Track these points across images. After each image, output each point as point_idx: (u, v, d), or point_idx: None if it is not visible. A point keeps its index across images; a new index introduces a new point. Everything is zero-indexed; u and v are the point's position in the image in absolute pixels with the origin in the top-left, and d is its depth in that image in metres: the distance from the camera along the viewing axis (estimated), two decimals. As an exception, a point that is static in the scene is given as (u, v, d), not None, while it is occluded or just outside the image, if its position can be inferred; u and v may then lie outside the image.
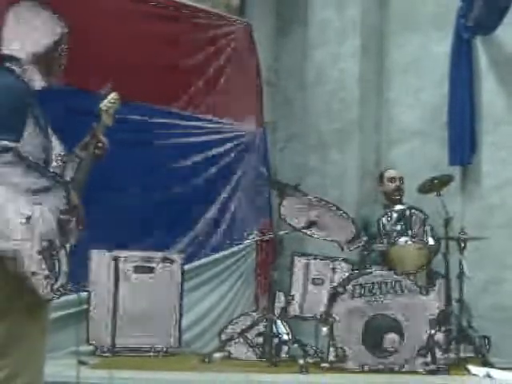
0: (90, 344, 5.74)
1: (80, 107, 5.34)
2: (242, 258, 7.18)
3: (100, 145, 3.10)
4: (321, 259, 5.94)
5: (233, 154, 7.32)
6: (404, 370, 5.21)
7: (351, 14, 7.69)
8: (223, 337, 5.88)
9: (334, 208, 5.56)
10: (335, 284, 5.61)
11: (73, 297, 4.31)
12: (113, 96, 3.22)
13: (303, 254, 6.01)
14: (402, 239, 5.83)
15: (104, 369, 4.81)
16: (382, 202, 6.69)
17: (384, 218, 6.26)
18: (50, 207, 2.69)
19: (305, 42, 8.03)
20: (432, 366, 5.18)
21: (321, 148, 7.72)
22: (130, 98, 5.80)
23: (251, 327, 5.61)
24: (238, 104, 7.43)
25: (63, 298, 2.83)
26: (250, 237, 7.11)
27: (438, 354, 5.26)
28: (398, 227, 6.15)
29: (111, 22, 6.39)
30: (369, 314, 5.28)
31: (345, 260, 5.90)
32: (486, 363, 5.50)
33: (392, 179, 6.55)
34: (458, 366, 5.42)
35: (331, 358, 5.27)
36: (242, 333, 5.59)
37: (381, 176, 6.68)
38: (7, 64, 2.85)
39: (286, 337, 5.60)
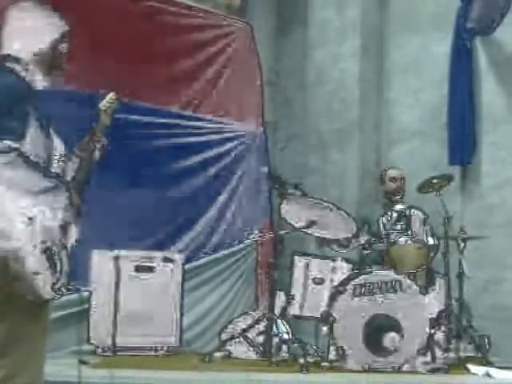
0: (91, 343, 5.75)
1: (79, 107, 5.36)
2: (243, 257, 7.18)
3: (99, 145, 3.10)
4: (321, 259, 5.95)
5: (233, 154, 7.32)
6: (404, 369, 5.22)
7: (351, 14, 7.70)
8: (224, 336, 5.88)
9: (335, 208, 5.57)
10: (335, 283, 5.62)
11: (74, 296, 4.34)
12: (111, 96, 3.22)
13: (303, 254, 6.02)
14: (402, 239, 5.85)
15: (105, 368, 4.81)
16: (382, 201, 6.69)
17: (384, 218, 6.29)
18: (53, 207, 2.69)
19: (305, 42, 8.04)
20: (432, 365, 5.19)
21: (321, 148, 7.73)
22: (130, 97, 5.87)
23: (252, 327, 5.62)
24: (238, 104, 7.44)
25: (64, 298, 2.83)
26: (251, 236, 7.12)
27: (438, 353, 5.28)
28: (398, 227, 6.18)
29: (111, 22, 6.39)
30: (369, 313, 5.29)
31: (345, 259, 5.91)
32: (485, 362, 5.52)
33: (393, 179, 6.54)
34: (458, 365, 5.44)
35: (331, 357, 5.28)
36: (243, 332, 5.60)
37: (382, 175, 6.69)
38: (8, 64, 2.84)
39: (286, 336, 5.60)
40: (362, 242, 5.75)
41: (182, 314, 6.07)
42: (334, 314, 5.28)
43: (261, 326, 5.58)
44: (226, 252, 7.08)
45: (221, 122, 7.30)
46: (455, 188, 6.82)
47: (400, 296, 5.31)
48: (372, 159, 7.66)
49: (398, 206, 6.32)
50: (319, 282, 5.84)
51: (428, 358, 5.22)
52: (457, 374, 5.22)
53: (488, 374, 5.09)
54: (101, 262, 5.90)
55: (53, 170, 2.85)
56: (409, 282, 5.38)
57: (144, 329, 5.84)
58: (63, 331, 5.20)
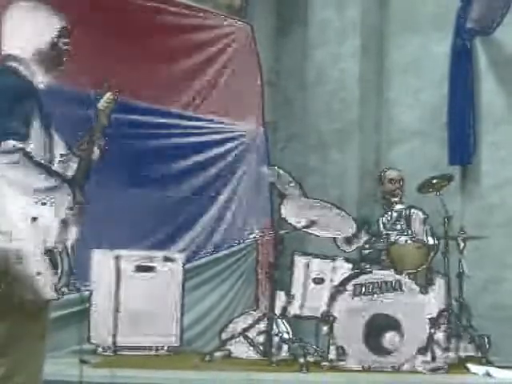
0: (92, 343, 5.76)
1: (79, 107, 5.35)
2: (243, 257, 7.19)
3: (97, 145, 3.11)
4: (321, 258, 5.95)
5: (233, 154, 7.33)
6: (404, 368, 5.23)
7: (351, 14, 7.71)
8: (224, 336, 5.88)
9: (335, 207, 5.58)
10: (335, 283, 5.62)
11: (74, 296, 4.32)
12: (108, 96, 3.21)
13: (304, 253, 6.02)
14: (402, 238, 5.85)
15: (106, 368, 4.83)
16: (381, 201, 6.69)
17: (384, 218, 6.29)
18: (56, 207, 2.70)
19: (305, 41, 8.05)
20: (432, 365, 5.20)
21: (321, 148, 7.74)
22: (130, 97, 5.87)
23: (252, 326, 5.62)
24: (238, 104, 7.44)
25: (65, 297, 2.83)
26: (251, 236, 7.13)
27: (438, 352, 5.28)
28: (398, 226, 6.18)
29: (111, 21, 6.40)
30: (369, 313, 5.30)
31: (345, 259, 5.91)
32: (485, 362, 5.53)
33: (391, 180, 6.52)
34: (458, 364, 5.45)
35: (331, 356, 5.28)
36: (243, 332, 5.60)
37: (381, 177, 6.68)
38: (9, 63, 2.84)
39: (286, 336, 5.60)
40: (362, 241, 5.76)
41: (182, 314, 6.08)
42: (334, 314, 5.29)
43: (261, 326, 5.59)
44: (226, 252, 7.09)
45: (221, 122, 7.31)
46: (455, 188, 6.83)
47: (400, 296, 5.31)
48: (372, 159, 7.67)
49: (398, 206, 6.32)
50: (319, 281, 5.84)
51: (428, 358, 5.22)
52: (457, 374, 5.23)
53: (488, 374, 5.10)
54: (101, 261, 5.91)
55: (56, 170, 2.85)
56: (409, 281, 5.39)
57: (145, 328, 5.85)
58: (64, 331, 5.21)
